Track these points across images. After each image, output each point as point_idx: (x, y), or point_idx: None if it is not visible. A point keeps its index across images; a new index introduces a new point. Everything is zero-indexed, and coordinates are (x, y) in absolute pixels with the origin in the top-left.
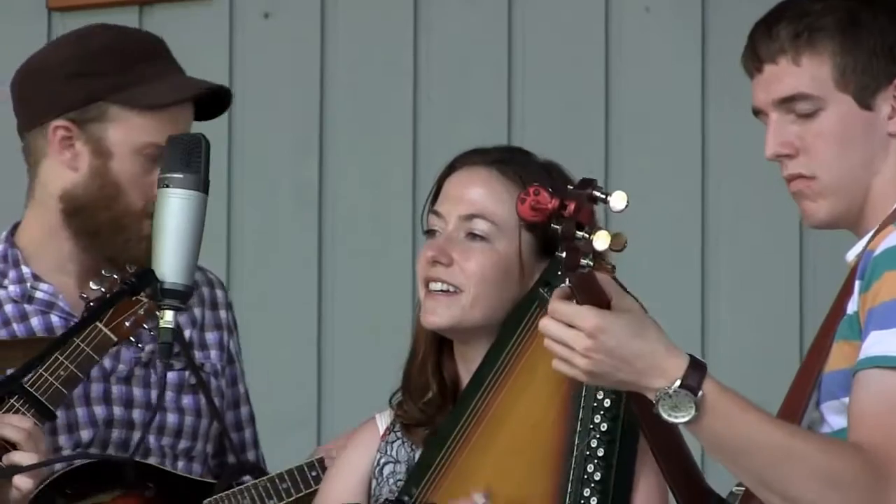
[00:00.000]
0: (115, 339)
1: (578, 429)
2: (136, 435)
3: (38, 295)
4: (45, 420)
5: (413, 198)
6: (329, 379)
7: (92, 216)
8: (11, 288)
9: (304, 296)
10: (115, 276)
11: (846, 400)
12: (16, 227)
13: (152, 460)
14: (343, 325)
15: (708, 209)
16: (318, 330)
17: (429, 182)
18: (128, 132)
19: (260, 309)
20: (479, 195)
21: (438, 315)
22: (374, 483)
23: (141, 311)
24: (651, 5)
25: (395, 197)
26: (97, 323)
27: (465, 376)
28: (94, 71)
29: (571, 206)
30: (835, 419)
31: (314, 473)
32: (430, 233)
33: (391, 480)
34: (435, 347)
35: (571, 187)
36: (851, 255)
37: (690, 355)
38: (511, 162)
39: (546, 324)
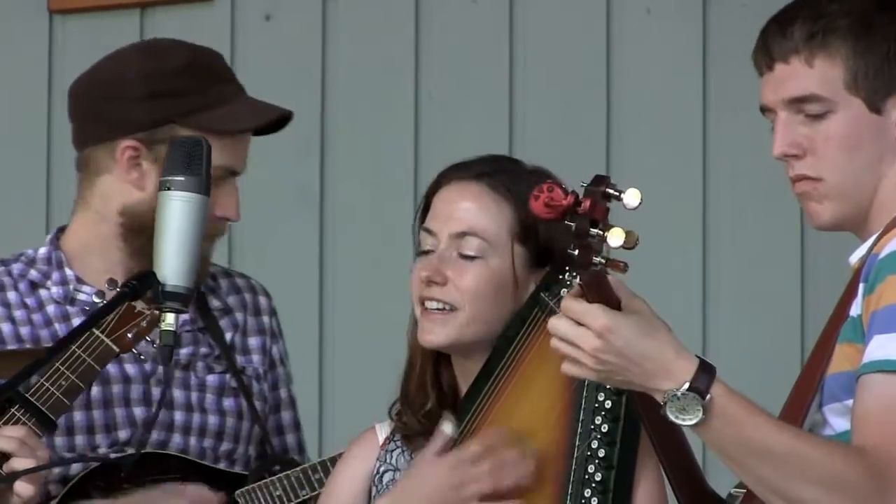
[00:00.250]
0: (118, 350)
1: (579, 430)
2: (176, 437)
3: (81, 297)
4: (46, 429)
5: (414, 198)
6: (330, 379)
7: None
8: (54, 289)
9: (305, 296)
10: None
11: (849, 402)
12: (61, 230)
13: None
14: (344, 325)
15: (709, 211)
16: (319, 330)
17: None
18: None
19: None
20: (469, 212)
21: (436, 334)
22: (373, 491)
23: (143, 324)
24: (652, 6)
25: (396, 197)
26: (99, 334)
27: (465, 385)
28: (171, 91)
29: (586, 203)
30: (837, 421)
31: None
32: (423, 252)
33: (390, 487)
34: (432, 359)
35: (585, 184)
36: (855, 258)
37: (700, 358)
38: (499, 173)
39: (556, 322)
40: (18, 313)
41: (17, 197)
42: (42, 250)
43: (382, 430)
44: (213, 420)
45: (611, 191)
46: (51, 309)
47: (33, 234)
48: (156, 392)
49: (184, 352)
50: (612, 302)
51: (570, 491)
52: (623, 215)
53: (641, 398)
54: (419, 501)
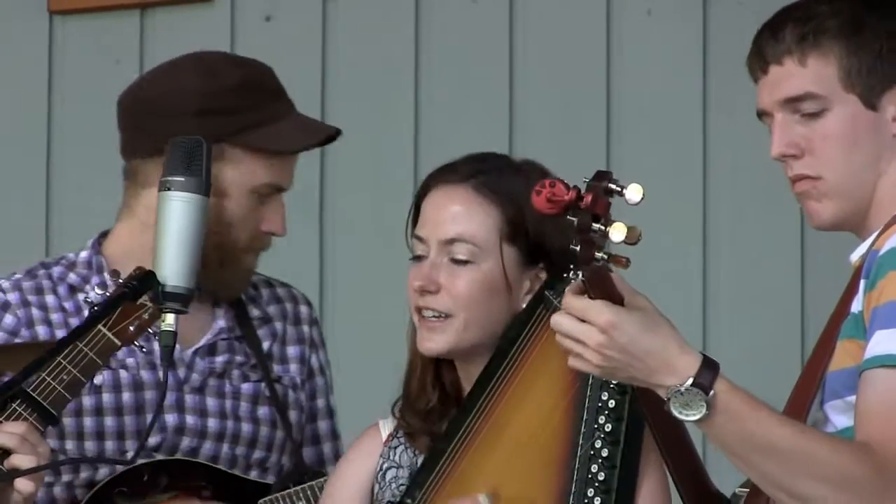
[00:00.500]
0: (119, 343)
1: (583, 430)
2: (208, 444)
3: None
4: (48, 424)
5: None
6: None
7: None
8: (93, 294)
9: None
10: (119, 283)
11: (850, 399)
12: (104, 235)
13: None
14: (344, 326)
15: (709, 210)
16: None
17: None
18: (245, 173)
19: None
20: (457, 217)
21: (434, 342)
22: (376, 487)
23: (146, 316)
24: (652, 7)
25: (396, 198)
26: (101, 327)
27: (467, 384)
28: (222, 110)
29: (588, 198)
30: (838, 418)
31: None
32: (416, 258)
33: (394, 485)
34: (432, 361)
35: (587, 179)
36: (855, 256)
37: (703, 354)
38: (484, 173)
39: (558, 319)
40: (55, 316)
41: (17, 197)
42: (83, 254)
43: (386, 427)
44: (246, 428)
45: (613, 186)
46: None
47: (33, 234)
48: (189, 399)
49: (219, 360)
50: (614, 298)
51: (573, 490)
52: (624, 214)
53: (645, 396)
54: None
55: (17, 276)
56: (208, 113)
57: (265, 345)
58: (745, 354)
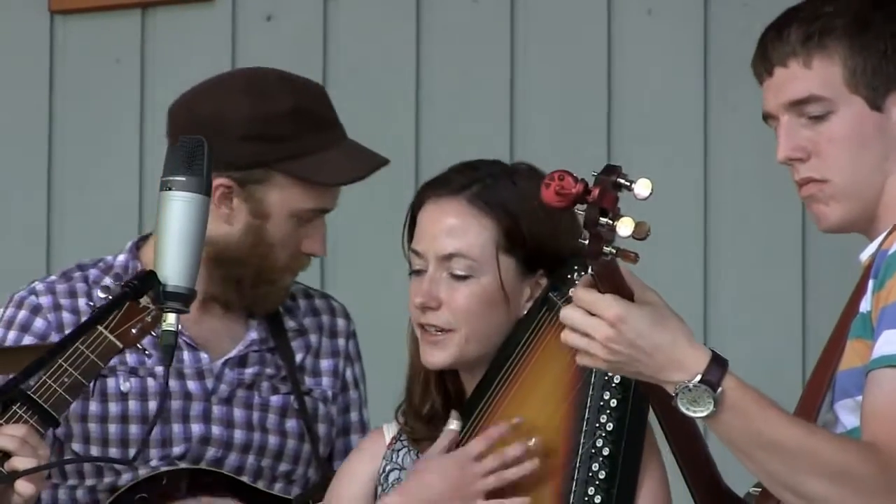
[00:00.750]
0: (121, 345)
1: (584, 428)
2: (233, 455)
3: None
4: (49, 427)
5: None
6: None
7: (240, 268)
8: (96, 296)
9: None
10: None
11: (860, 398)
12: (143, 239)
13: (244, 479)
14: None
15: (710, 211)
16: None
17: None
18: (288, 198)
19: None
20: (453, 232)
21: (436, 356)
22: (379, 490)
23: (148, 318)
24: (653, 7)
25: (397, 197)
26: (102, 329)
27: (470, 387)
28: (270, 136)
29: (595, 192)
30: (848, 418)
31: None
32: (414, 272)
33: (396, 486)
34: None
35: (596, 173)
36: (865, 256)
37: (712, 350)
38: (476, 183)
39: (568, 312)
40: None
41: (18, 197)
42: (121, 258)
43: (390, 430)
44: (273, 440)
45: (621, 180)
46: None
47: (34, 234)
48: (216, 410)
49: (249, 371)
50: (624, 292)
51: (573, 489)
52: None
53: (655, 393)
54: (424, 498)
55: (53, 277)
56: (256, 138)
57: (298, 357)
58: (747, 355)
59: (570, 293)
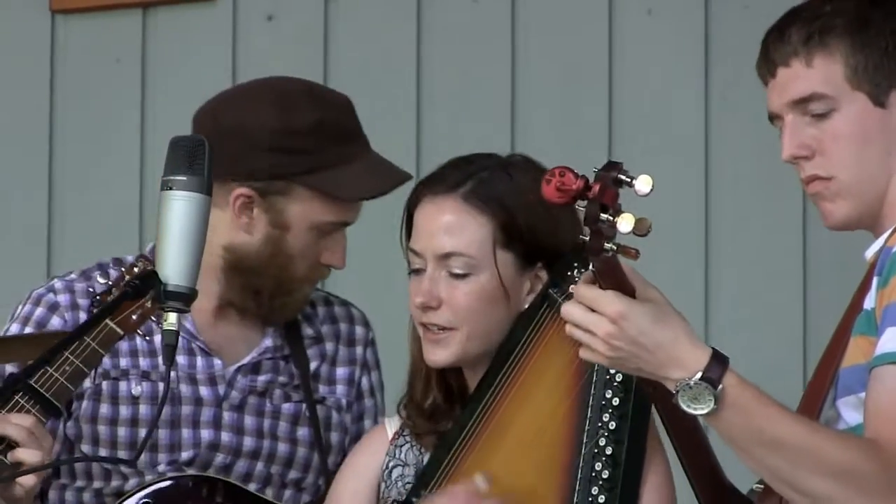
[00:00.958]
0: (122, 332)
1: (587, 427)
2: (241, 462)
3: None
4: (51, 416)
5: None
6: None
7: (258, 278)
8: (97, 284)
9: None
10: (122, 270)
11: (863, 395)
12: None
13: (252, 486)
14: None
15: (711, 211)
16: None
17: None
18: (309, 210)
19: None
20: (450, 231)
21: (439, 354)
22: (382, 486)
23: (148, 304)
24: (653, 7)
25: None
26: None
27: (473, 384)
28: (294, 149)
29: (596, 188)
30: (851, 415)
31: None
32: (414, 271)
33: (399, 483)
34: None
35: (597, 169)
36: (870, 253)
37: (713, 348)
38: (472, 177)
39: (569, 308)
40: None
41: (18, 197)
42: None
43: (392, 426)
44: (283, 448)
45: (622, 176)
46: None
47: (35, 233)
48: (227, 416)
49: (262, 378)
50: (626, 289)
51: (577, 488)
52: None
53: (658, 390)
54: None
55: (73, 276)
56: (280, 151)
57: (313, 365)
58: (747, 355)
59: (571, 289)
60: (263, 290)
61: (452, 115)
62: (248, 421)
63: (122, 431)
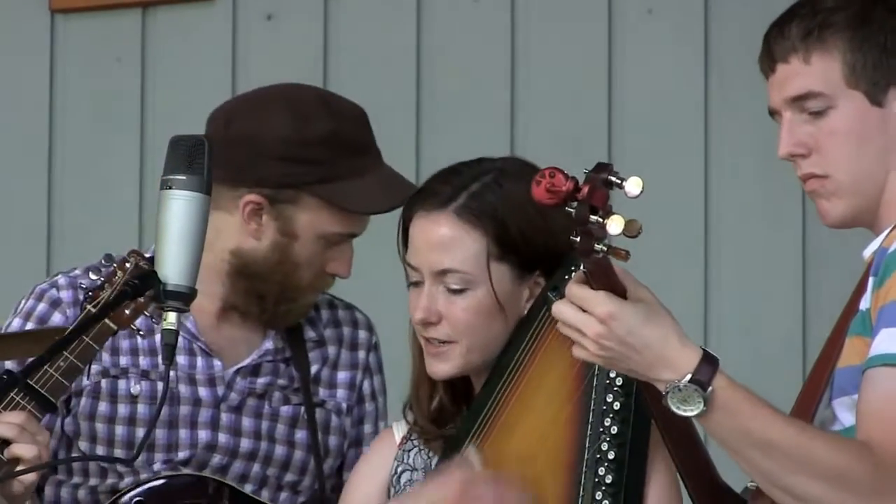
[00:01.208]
0: (115, 327)
1: (589, 432)
2: (238, 463)
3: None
4: (47, 412)
5: None
6: None
7: (263, 283)
8: (86, 280)
9: None
10: (114, 266)
11: (857, 396)
12: None
13: (249, 487)
14: None
15: (711, 209)
16: None
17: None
18: (318, 220)
19: None
20: (444, 248)
21: (440, 368)
22: (391, 491)
23: (141, 299)
24: (654, 6)
25: None
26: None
27: (478, 383)
28: (305, 159)
29: (585, 190)
30: (846, 416)
31: None
32: (412, 283)
33: (408, 488)
34: None
35: (587, 171)
36: (868, 252)
37: (703, 349)
38: (463, 190)
39: (560, 307)
40: None
41: (18, 196)
42: (147, 255)
43: (399, 430)
44: (280, 450)
45: (612, 178)
46: (139, 321)
47: (34, 232)
48: (225, 418)
49: (261, 381)
50: (617, 289)
51: (581, 494)
52: (625, 211)
53: (649, 389)
54: None
55: (77, 272)
56: (291, 159)
57: (313, 368)
58: (747, 353)
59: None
60: (268, 295)
61: (452, 115)
62: (246, 422)
63: (119, 430)
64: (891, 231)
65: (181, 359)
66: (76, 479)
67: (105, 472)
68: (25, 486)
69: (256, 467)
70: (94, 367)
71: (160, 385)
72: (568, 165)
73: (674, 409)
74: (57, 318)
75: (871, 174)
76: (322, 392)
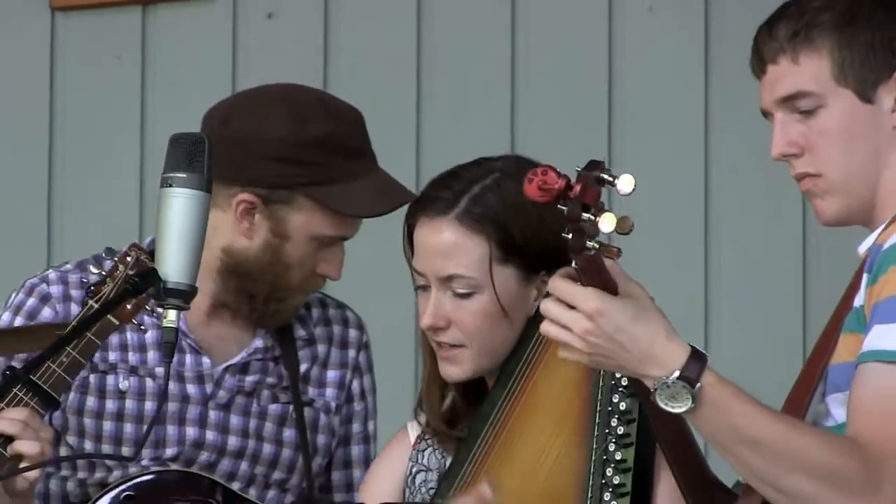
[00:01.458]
0: (118, 322)
1: (595, 433)
2: (226, 461)
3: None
4: (49, 408)
5: None
6: None
7: (253, 282)
8: (90, 275)
9: None
10: (115, 260)
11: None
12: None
13: (236, 485)
14: None
15: (711, 207)
16: None
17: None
18: (310, 222)
19: None
20: (448, 254)
21: (452, 371)
22: (406, 492)
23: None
24: (654, 4)
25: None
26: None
27: (490, 382)
28: (301, 160)
29: (577, 187)
30: (839, 412)
31: None
32: (420, 287)
33: (423, 489)
34: None
35: (580, 169)
36: (863, 248)
37: (692, 346)
38: (464, 196)
39: (547, 304)
40: None
41: (18, 195)
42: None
43: (414, 431)
44: (268, 449)
45: (604, 176)
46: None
47: (34, 231)
48: (213, 415)
49: (250, 379)
50: (609, 287)
51: (589, 495)
52: (625, 209)
53: (639, 383)
54: None
55: (68, 266)
56: (286, 160)
57: (303, 367)
58: (747, 349)
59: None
60: (258, 294)
61: (453, 112)
62: (234, 420)
63: (107, 425)
64: (885, 227)
65: None
66: (65, 472)
67: (94, 466)
68: (29, 483)
69: (244, 465)
70: None
71: (148, 381)
72: (568, 164)
73: (662, 405)
74: (47, 314)
75: (864, 171)
76: (311, 391)
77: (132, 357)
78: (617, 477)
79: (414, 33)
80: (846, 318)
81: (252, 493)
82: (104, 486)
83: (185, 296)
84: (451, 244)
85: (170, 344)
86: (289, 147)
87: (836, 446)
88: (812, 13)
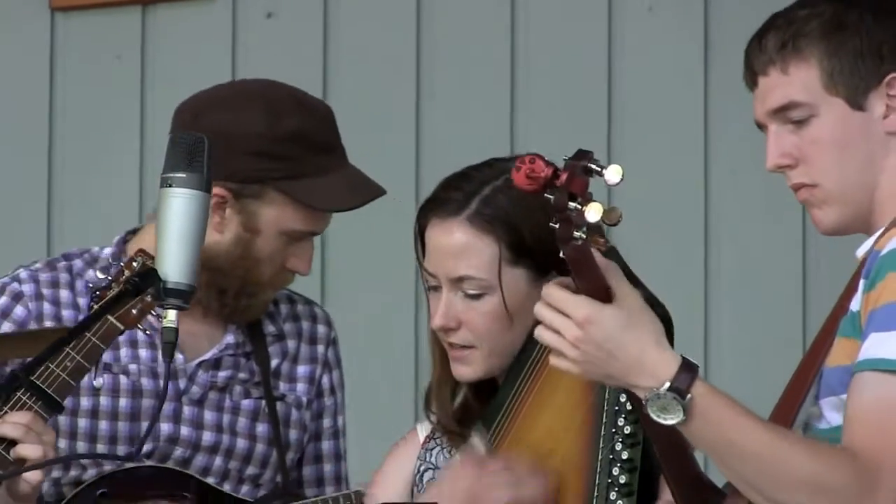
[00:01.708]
0: (122, 327)
1: (602, 433)
2: (200, 456)
3: None
4: (53, 412)
5: (416, 197)
6: None
7: (224, 277)
8: (94, 276)
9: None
10: (122, 265)
11: (844, 396)
12: (132, 233)
13: (211, 480)
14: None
15: (710, 206)
16: None
17: (433, 181)
18: (281, 216)
19: None
20: (459, 256)
21: (464, 371)
22: (415, 490)
23: (147, 298)
24: (654, 5)
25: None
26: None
27: (501, 377)
28: (273, 154)
29: (564, 176)
30: (833, 415)
31: None
32: (431, 288)
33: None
34: None
35: (566, 158)
36: (861, 252)
37: (683, 356)
38: (474, 197)
39: (539, 309)
40: (67, 313)
41: (18, 195)
42: (107, 250)
43: (423, 430)
44: (241, 444)
45: (592, 165)
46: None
47: (34, 230)
48: (187, 411)
49: (222, 374)
50: (598, 281)
51: (595, 494)
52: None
53: (631, 394)
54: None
55: (38, 265)
56: (258, 155)
57: (273, 362)
58: (747, 349)
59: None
60: (228, 289)
61: (452, 110)
62: (208, 416)
63: (82, 422)
64: (883, 233)
65: (143, 352)
66: None
67: (67, 465)
68: (32, 487)
69: (218, 460)
70: None
71: (122, 378)
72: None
73: (654, 417)
74: (19, 312)
75: (860, 179)
76: (282, 386)
77: (105, 354)
78: (623, 476)
79: (413, 33)
80: (842, 322)
81: (226, 488)
82: (79, 485)
83: (184, 296)
84: (462, 245)
85: (169, 344)
86: (262, 142)
87: (829, 456)
88: (800, 23)
